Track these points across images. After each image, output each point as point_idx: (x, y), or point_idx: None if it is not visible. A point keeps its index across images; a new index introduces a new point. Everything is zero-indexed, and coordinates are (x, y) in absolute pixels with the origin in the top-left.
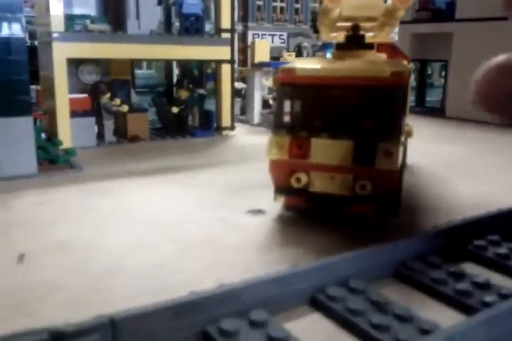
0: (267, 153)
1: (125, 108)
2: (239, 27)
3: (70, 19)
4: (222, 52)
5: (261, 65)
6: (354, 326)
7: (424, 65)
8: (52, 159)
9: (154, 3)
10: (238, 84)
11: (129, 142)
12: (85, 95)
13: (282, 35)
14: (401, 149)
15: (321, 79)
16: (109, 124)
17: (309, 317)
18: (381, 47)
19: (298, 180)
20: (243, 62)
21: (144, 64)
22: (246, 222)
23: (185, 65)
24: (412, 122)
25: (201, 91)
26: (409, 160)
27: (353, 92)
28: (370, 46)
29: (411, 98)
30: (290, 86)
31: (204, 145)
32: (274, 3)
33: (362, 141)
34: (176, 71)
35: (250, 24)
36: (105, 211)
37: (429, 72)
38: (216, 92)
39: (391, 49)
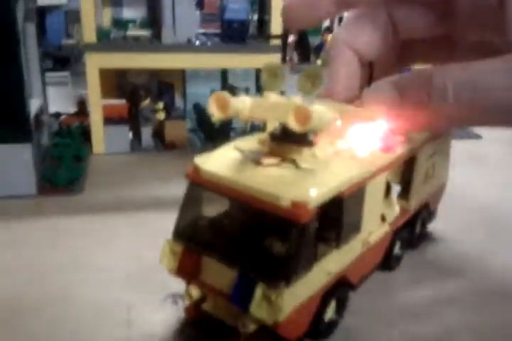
0: (160, 260)
1: (162, 115)
2: None
3: (116, 23)
4: (271, 60)
5: None
6: None
7: None
8: (53, 180)
9: (193, 8)
10: None
11: (166, 149)
12: (123, 101)
13: None
14: (295, 294)
15: (221, 189)
16: (146, 130)
17: None
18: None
19: (189, 294)
20: None
21: None
22: (153, 318)
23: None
24: None
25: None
26: None
27: (250, 214)
28: (307, 142)
29: None
30: (195, 186)
31: None
32: None
33: (244, 274)
34: None
35: None
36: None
37: None
38: None
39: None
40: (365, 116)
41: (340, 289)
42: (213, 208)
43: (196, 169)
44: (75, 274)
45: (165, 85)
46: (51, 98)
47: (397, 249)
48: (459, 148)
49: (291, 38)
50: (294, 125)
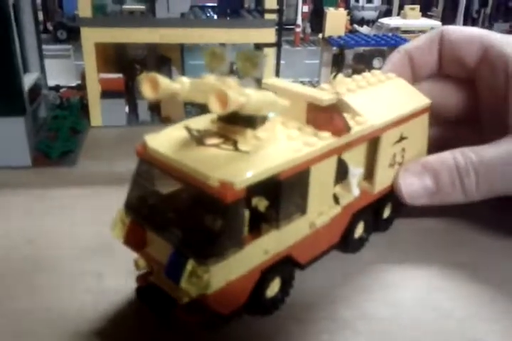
0: (111, 228)
1: None
2: None
3: None
4: (265, 35)
5: (327, 41)
6: None
7: None
8: (46, 152)
9: None
10: None
11: (162, 122)
12: (120, 75)
13: None
14: (226, 270)
15: (164, 166)
16: (142, 104)
17: None
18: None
19: (137, 264)
20: None
21: None
22: (120, 289)
23: None
24: None
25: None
26: None
27: (187, 191)
28: (249, 124)
29: None
30: (143, 161)
31: None
32: None
33: (178, 249)
34: None
35: None
36: None
37: None
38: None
39: (328, 113)
40: (317, 99)
41: (283, 268)
42: (158, 184)
43: (143, 144)
44: (52, 243)
45: (163, 59)
46: (53, 71)
47: (359, 232)
48: None
49: (305, 8)
50: (213, 107)
